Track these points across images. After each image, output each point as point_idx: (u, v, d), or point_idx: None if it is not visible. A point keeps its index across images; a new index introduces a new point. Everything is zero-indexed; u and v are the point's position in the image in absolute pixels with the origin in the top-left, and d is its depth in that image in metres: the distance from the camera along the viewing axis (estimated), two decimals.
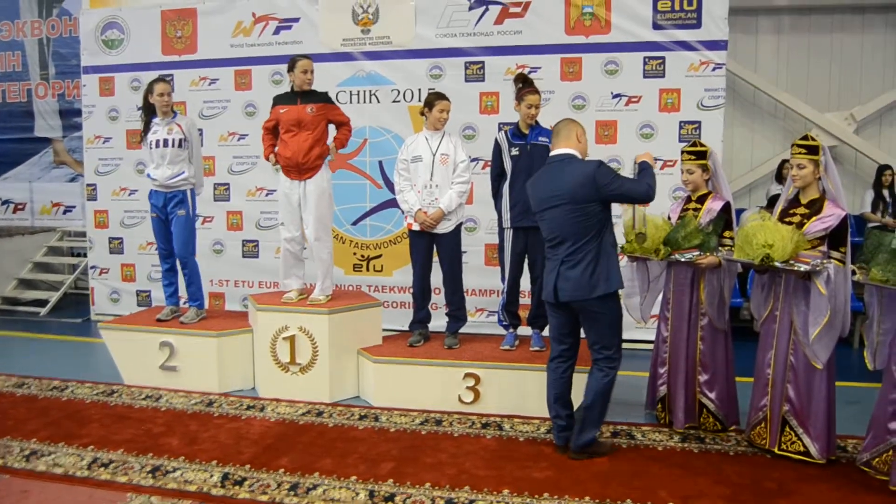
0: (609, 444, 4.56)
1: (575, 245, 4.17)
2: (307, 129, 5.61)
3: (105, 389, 5.77)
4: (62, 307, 9.08)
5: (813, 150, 4.21)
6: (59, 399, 5.58)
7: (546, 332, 5.19)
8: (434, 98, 5.54)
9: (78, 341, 7.61)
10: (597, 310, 4.21)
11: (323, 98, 5.74)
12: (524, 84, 5.34)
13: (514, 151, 5.33)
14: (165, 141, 5.86)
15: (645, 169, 4.27)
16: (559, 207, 4.19)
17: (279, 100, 5.78)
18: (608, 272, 4.18)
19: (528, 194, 4.49)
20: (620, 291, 4.32)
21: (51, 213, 10.06)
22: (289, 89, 5.80)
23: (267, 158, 5.80)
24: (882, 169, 8.71)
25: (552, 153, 4.38)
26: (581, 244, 4.16)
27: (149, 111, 5.99)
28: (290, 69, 5.67)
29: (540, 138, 5.29)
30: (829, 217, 4.13)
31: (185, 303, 6.30)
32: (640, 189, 4.16)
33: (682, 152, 4.90)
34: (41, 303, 9.09)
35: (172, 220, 5.98)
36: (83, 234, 9.05)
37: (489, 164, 5.63)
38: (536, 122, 5.36)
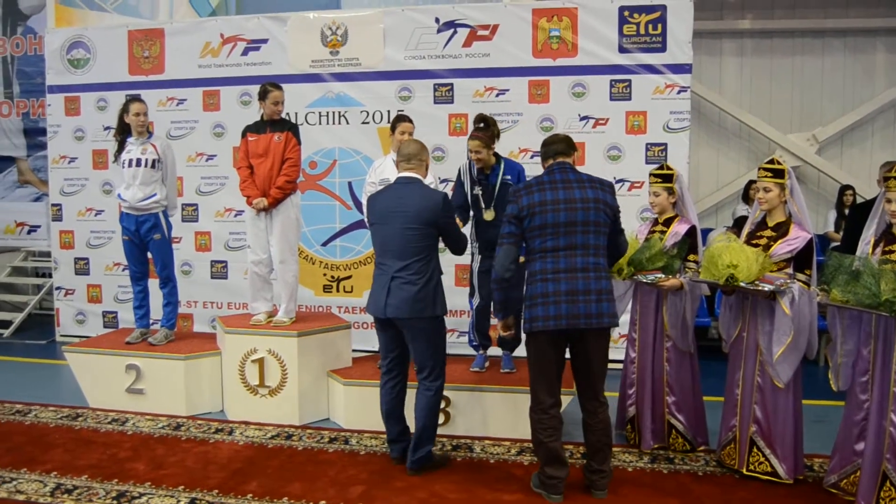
0: (444, 457, 4.72)
1: (405, 262, 4.35)
2: (274, 156, 5.60)
3: (70, 413, 5.68)
4: (26, 328, 8.92)
5: (779, 173, 4.27)
6: (22, 423, 5.48)
7: (493, 352, 5.40)
8: (396, 121, 5.56)
9: (42, 363, 7.48)
10: (421, 327, 4.38)
11: (289, 127, 5.73)
12: (476, 126, 5.26)
13: (477, 191, 5.31)
14: (139, 160, 5.79)
15: None
16: (397, 222, 4.36)
17: (249, 129, 5.76)
18: (435, 296, 4.40)
19: (368, 206, 4.64)
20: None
21: (15, 233, 9.88)
22: (259, 116, 5.78)
23: (252, 204, 5.65)
24: (843, 189, 8.89)
25: (400, 175, 4.53)
26: (411, 262, 4.34)
27: (123, 130, 5.89)
28: (262, 97, 5.66)
29: (505, 177, 5.25)
30: (795, 240, 4.20)
31: (154, 323, 6.21)
32: (463, 241, 4.62)
33: (650, 175, 4.96)
34: (5, 324, 8.91)
35: (149, 244, 5.93)
36: (48, 255, 8.90)
37: None
38: (497, 158, 5.29)
